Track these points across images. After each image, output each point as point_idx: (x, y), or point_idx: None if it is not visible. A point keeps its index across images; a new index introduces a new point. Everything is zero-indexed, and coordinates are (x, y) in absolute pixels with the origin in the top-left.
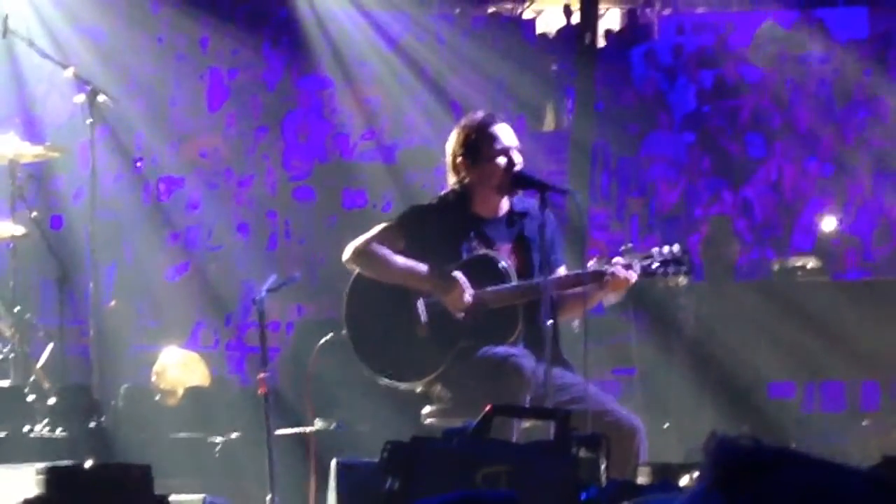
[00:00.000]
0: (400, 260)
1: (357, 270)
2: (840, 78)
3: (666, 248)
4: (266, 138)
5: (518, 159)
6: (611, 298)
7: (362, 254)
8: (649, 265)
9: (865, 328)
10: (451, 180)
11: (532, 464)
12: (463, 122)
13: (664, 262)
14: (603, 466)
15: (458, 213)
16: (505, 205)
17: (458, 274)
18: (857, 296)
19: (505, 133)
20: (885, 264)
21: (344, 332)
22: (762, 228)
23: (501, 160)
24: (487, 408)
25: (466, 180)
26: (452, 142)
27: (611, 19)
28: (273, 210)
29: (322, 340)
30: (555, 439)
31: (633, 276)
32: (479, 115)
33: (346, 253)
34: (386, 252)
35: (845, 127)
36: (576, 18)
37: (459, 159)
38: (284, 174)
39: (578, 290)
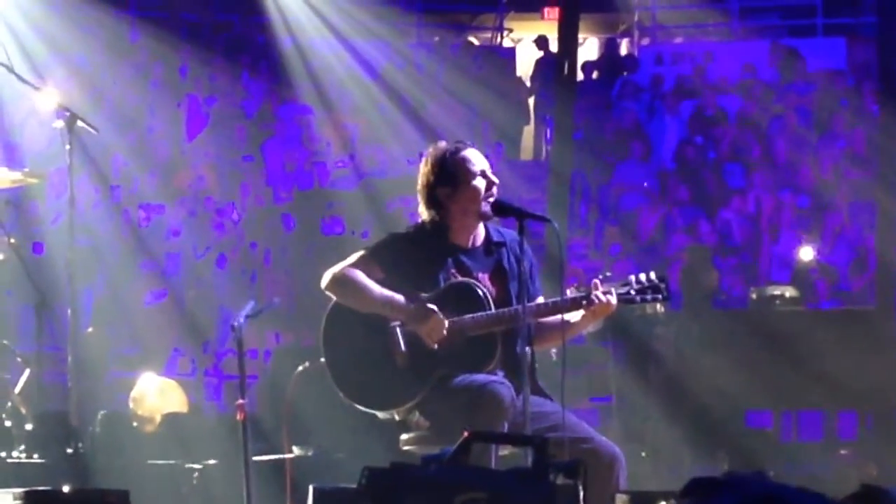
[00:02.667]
0: (376, 289)
1: (334, 297)
2: (818, 108)
3: (643, 276)
4: (245, 165)
5: (495, 179)
6: (589, 327)
7: (339, 281)
8: (627, 292)
9: (843, 358)
10: (425, 213)
11: (510, 491)
12: (430, 153)
13: (641, 290)
14: (581, 493)
15: (435, 243)
16: (482, 234)
17: (433, 306)
18: (835, 325)
19: (476, 156)
20: (862, 294)
21: (322, 359)
22: (740, 258)
23: (480, 182)
24: (465, 434)
25: (447, 209)
26: (425, 174)
27: (590, 49)
28: (252, 237)
29: (300, 368)
30: (532, 466)
31: (613, 301)
32: (444, 144)
33: (324, 280)
34: (363, 280)
35: (823, 158)
36: (552, 48)
37: (438, 189)
38: (263, 201)
39: (559, 318)
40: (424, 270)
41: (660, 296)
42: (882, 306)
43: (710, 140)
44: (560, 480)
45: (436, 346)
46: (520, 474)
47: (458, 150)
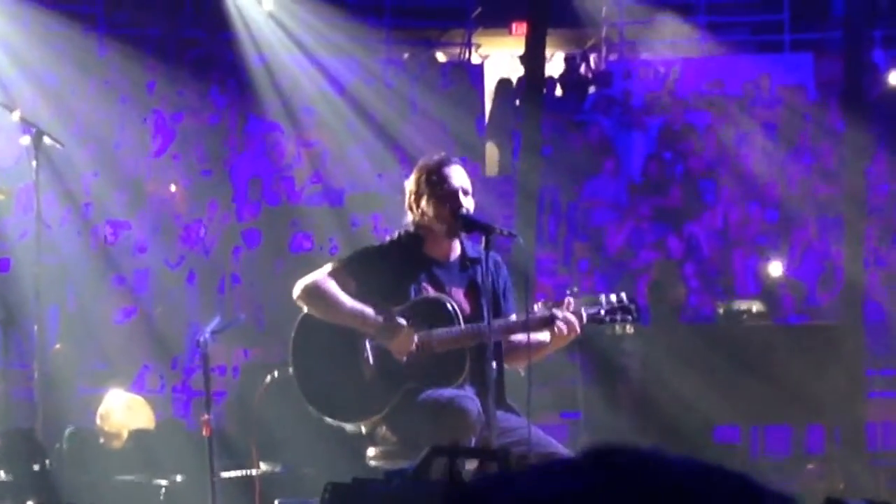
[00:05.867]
0: (347, 301)
1: (305, 308)
2: (785, 124)
3: (614, 297)
4: (212, 181)
5: (467, 203)
6: (558, 344)
7: (310, 292)
8: (597, 312)
9: (810, 372)
10: (408, 218)
11: None
12: (421, 161)
13: (611, 311)
14: None
15: (409, 255)
16: (457, 249)
17: (402, 320)
18: (802, 340)
19: (457, 175)
20: (830, 309)
21: (290, 370)
22: (708, 273)
23: (447, 202)
24: (428, 449)
25: (418, 220)
26: (410, 181)
27: (557, 65)
28: (220, 253)
29: (268, 378)
30: None
31: (576, 326)
32: (437, 156)
33: (296, 290)
34: (334, 292)
35: (790, 173)
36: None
37: (412, 198)
38: (231, 217)
39: (531, 338)
40: (396, 283)
41: (629, 317)
42: (849, 321)
43: (678, 155)
44: None
45: (404, 359)
46: None
47: (441, 165)
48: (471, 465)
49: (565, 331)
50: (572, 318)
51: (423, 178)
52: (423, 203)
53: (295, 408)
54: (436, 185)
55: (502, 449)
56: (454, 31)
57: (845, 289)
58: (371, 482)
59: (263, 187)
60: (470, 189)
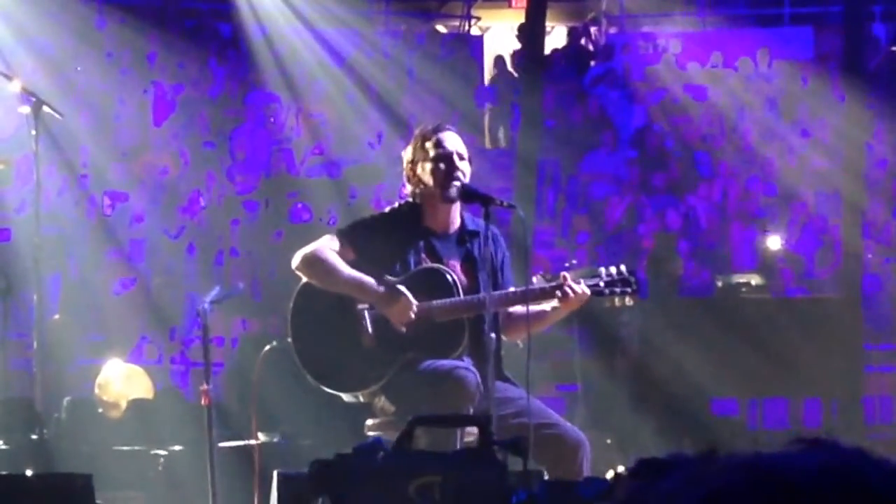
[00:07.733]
0: (346, 270)
1: (304, 278)
2: (784, 98)
3: (613, 269)
4: (212, 153)
5: (463, 167)
6: (559, 315)
7: (310, 261)
8: (596, 284)
9: (808, 345)
10: (408, 189)
11: (462, 471)
12: (416, 130)
13: (611, 283)
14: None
15: (408, 226)
16: (456, 221)
17: (403, 288)
18: (800, 313)
19: (451, 139)
20: (828, 283)
21: (289, 339)
22: (706, 246)
23: (442, 164)
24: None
25: (416, 189)
26: (406, 150)
27: (557, 38)
28: (219, 224)
29: (266, 347)
30: (479, 445)
31: (588, 291)
32: (432, 123)
33: (295, 259)
34: (333, 260)
35: (789, 147)
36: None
37: (409, 167)
38: (230, 188)
39: (533, 309)
40: (395, 253)
41: (629, 289)
42: (847, 295)
43: (677, 128)
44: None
45: (404, 328)
46: (468, 454)
47: (436, 131)
48: (470, 436)
49: (578, 293)
50: (578, 287)
51: (419, 144)
52: (419, 169)
53: (293, 378)
54: (430, 149)
55: (483, 415)
56: (453, 3)
57: (844, 263)
58: (356, 457)
59: (262, 159)
60: (466, 154)
